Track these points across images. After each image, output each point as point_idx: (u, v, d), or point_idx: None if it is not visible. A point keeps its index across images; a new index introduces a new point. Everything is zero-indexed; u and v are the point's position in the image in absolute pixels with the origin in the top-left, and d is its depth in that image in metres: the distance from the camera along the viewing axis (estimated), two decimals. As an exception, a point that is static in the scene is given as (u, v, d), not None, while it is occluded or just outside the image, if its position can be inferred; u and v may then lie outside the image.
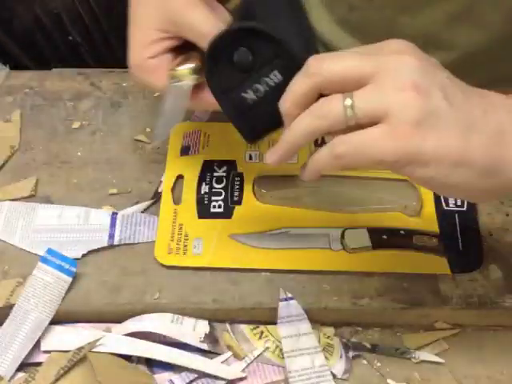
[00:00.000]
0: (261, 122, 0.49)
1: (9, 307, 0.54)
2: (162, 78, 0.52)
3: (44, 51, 0.78)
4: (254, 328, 0.55)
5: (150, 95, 0.67)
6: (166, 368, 0.54)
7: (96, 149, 0.64)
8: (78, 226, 0.59)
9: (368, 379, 0.54)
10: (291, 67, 0.44)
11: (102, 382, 0.51)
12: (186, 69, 0.51)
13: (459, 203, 0.58)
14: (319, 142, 0.61)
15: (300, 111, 0.43)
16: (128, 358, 0.53)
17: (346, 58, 0.41)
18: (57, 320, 0.55)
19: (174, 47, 0.52)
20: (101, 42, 0.78)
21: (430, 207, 0.59)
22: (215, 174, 0.61)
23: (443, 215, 0.58)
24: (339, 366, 0.53)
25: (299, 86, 0.42)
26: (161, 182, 0.61)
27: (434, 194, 0.59)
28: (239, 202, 0.59)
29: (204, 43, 0.48)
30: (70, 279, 0.55)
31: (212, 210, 0.59)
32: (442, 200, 0.59)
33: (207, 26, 0.49)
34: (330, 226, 0.58)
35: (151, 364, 0.54)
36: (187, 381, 0.53)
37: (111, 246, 0.58)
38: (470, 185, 0.42)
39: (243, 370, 0.53)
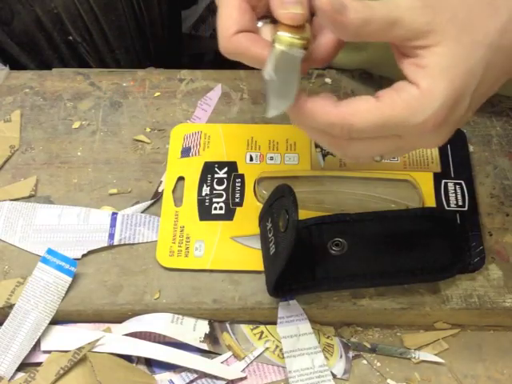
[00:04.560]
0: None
1: (9, 307, 0.54)
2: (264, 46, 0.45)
3: (44, 51, 0.78)
4: (254, 328, 0.55)
5: (149, 95, 0.67)
6: (166, 368, 0.54)
7: (96, 149, 0.64)
8: (78, 226, 0.59)
9: (368, 379, 0.54)
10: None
11: (101, 381, 0.51)
12: (303, 38, 0.42)
13: (460, 203, 0.58)
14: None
15: None
16: (128, 357, 0.54)
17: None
18: (57, 320, 0.55)
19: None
20: (101, 42, 0.78)
21: (430, 207, 0.59)
22: (216, 176, 0.61)
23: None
24: (339, 366, 0.53)
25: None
26: (161, 181, 0.61)
27: (435, 194, 0.59)
28: (240, 204, 0.59)
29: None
30: (70, 279, 0.55)
31: (213, 211, 0.59)
32: (443, 200, 0.59)
33: None
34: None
35: (151, 364, 0.54)
36: (187, 381, 0.53)
37: (111, 246, 0.58)
38: None
39: (243, 370, 0.54)
